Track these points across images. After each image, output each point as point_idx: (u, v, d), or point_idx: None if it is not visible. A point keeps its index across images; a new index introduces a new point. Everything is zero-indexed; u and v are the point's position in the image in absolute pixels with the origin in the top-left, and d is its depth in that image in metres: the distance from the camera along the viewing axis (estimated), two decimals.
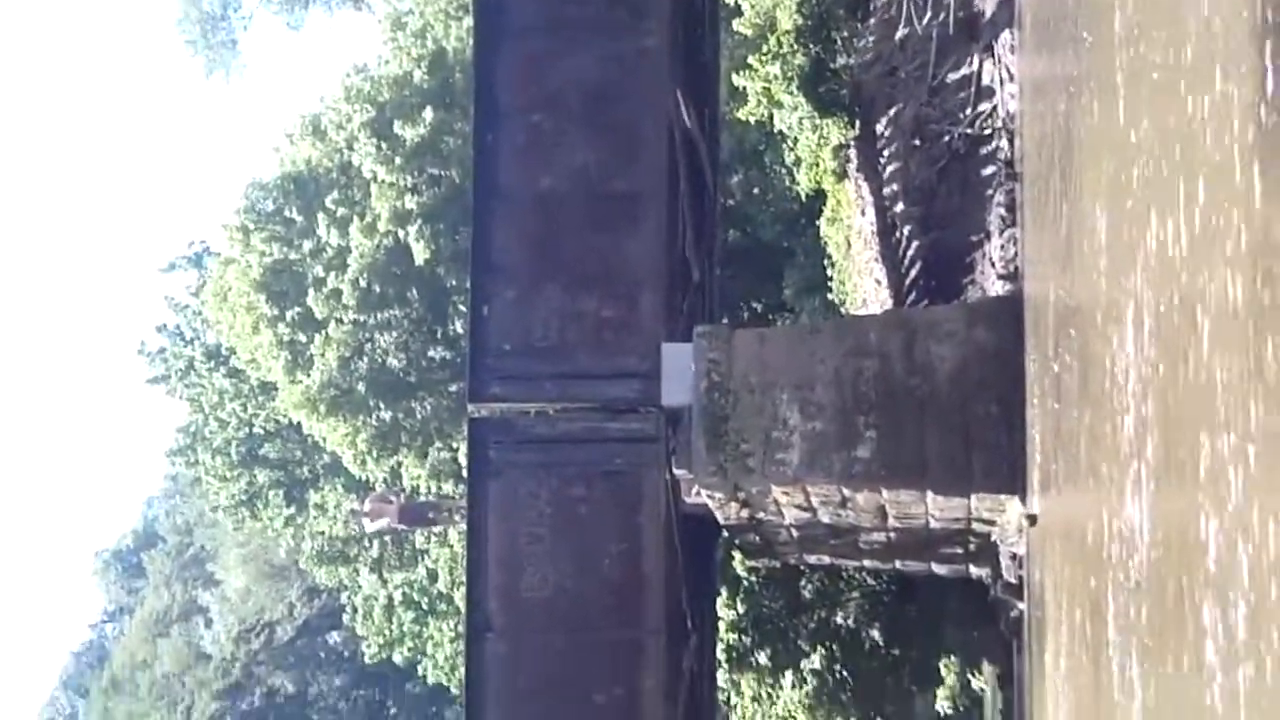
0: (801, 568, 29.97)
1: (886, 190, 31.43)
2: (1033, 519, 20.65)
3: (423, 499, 47.46)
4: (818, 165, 34.01)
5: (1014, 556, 23.81)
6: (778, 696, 31.00)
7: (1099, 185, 12.81)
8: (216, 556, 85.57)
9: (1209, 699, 8.38)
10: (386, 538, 52.59)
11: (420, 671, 54.81)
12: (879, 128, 31.49)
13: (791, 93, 32.40)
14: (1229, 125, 7.93)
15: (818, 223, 36.26)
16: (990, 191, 26.23)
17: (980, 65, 26.87)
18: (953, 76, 27.97)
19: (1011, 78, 25.24)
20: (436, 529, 48.07)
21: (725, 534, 26.95)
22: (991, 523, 23.02)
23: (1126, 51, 11.33)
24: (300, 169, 50.97)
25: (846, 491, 22.63)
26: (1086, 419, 13.49)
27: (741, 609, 30.64)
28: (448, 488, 48.39)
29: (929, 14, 26.00)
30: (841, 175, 33.79)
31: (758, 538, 26.66)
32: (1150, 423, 10.08)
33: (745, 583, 30.57)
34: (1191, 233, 8.78)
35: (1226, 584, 7.99)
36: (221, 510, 60.31)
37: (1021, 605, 23.72)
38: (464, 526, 27.09)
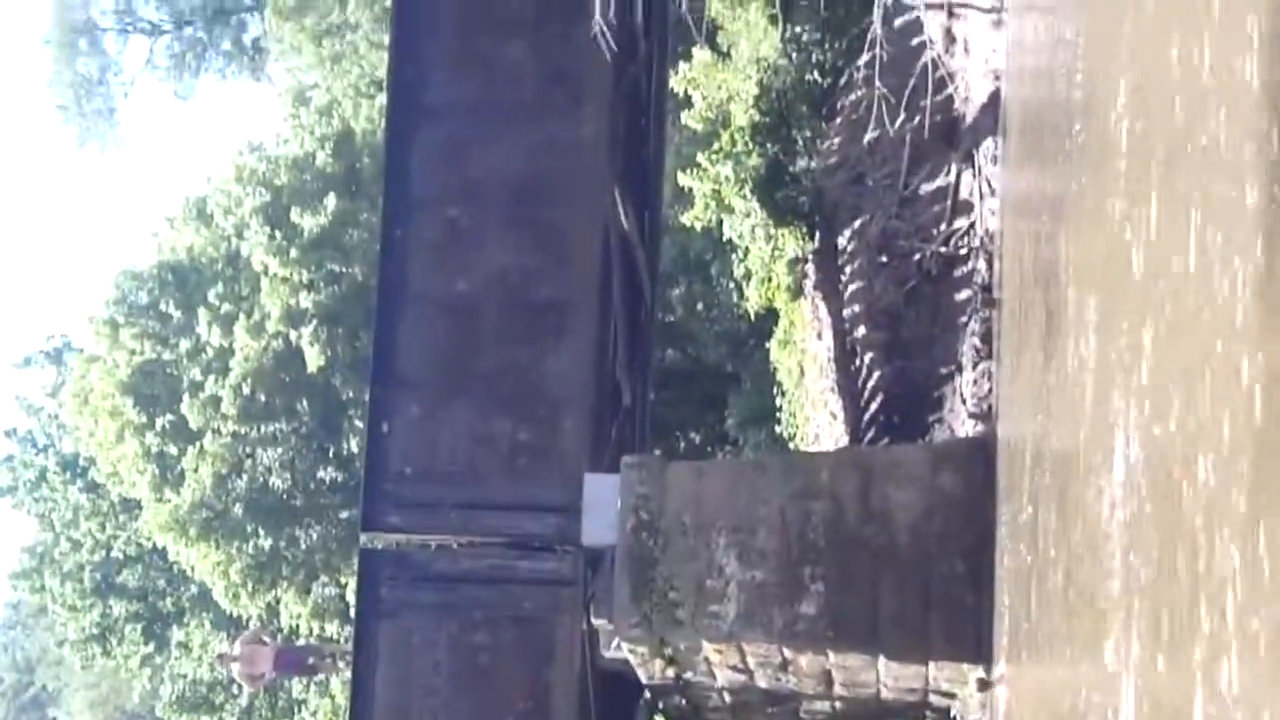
0: None
1: (847, 312, 31.52)
2: (984, 683, 20.57)
3: (302, 641, 47.06)
4: (770, 280, 34.10)
5: None
6: None
7: (1089, 313, 12.87)
8: (60, 699, 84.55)
9: None
10: (259, 685, 52.06)
11: None
12: (841, 241, 31.62)
13: (744, 197, 32.53)
14: (1232, 263, 7.99)
15: (767, 345, 36.31)
16: (964, 319, 26.34)
17: (958, 176, 27.06)
18: (926, 187, 28.15)
19: (993, 191, 25.42)
20: (317, 677, 47.61)
21: (647, 695, 26.78)
22: (952, 695, 22.93)
23: (1126, 164, 11.42)
24: (181, 258, 50.91)
25: (788, 653, 22.51)
26: (1063, 576, 13.49)
27: None
28: (332, 629, 48.05)
29: (902, 116, 26.11)
30: (797, 293, 33.87)
31: (684, 701, 26.47)
32: (1138, 580, 10.07)
33: None
34: (1189, 362, 8.82)
35: None
36: (69, 645, 59.69)
37: None
38: (348, 675, 26.82)
